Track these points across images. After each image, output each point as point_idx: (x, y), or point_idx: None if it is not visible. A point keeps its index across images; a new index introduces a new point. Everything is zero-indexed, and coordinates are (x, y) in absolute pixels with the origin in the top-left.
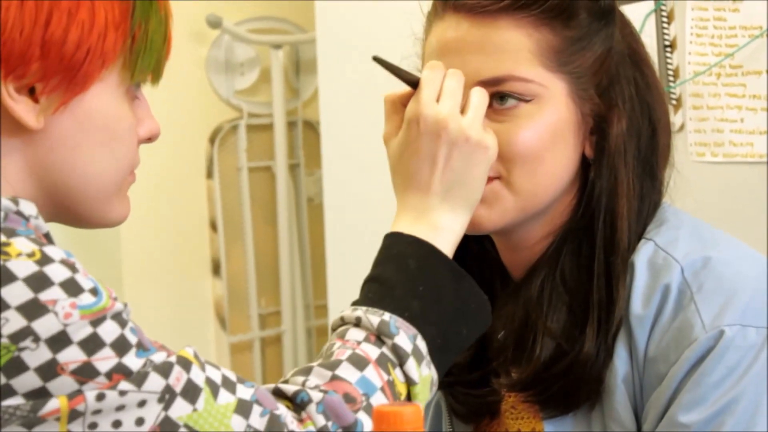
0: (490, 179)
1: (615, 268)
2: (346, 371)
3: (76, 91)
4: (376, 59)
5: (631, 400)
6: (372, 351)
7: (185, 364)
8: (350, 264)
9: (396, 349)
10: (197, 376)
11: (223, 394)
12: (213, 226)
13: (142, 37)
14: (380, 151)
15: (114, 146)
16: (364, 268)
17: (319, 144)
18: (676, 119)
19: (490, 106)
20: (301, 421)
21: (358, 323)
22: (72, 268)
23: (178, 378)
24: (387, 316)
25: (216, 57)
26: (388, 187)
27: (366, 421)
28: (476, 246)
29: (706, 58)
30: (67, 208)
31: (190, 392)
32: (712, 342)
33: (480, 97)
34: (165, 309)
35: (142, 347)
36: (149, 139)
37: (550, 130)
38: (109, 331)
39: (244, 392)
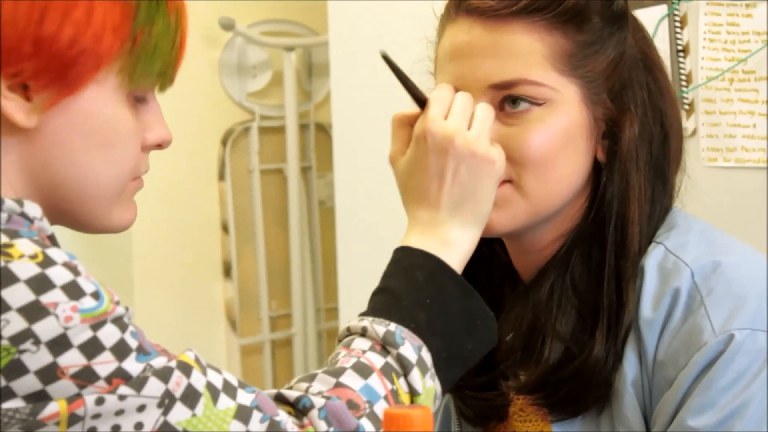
0: (501, 183)
1: (625, 272)
2: (350, 378)
3: (68, 91)
4: (385, 57)
5: (640, 404)
6: (377, 360)
7: (185, 368)
8: (361, 267)
9: (401, 359)
10: (198, 381)
11: (223, 399)
12: (224, 229)
13: (145, 41)
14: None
15: (111, 150)
16: (376, 271)
17: (331, 147)
18: (688, 124)
19: (502, 109)
20: (302, 426)
21: (364, 333)
22: (74, 270)
23: (177, 383)
24: (393, 326)
25: (228, 59)
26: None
27: (369, 428)
28: (486, 249)
29: (718, 63)
30: (66, 211)
31: (190, 397)
32: (722, 346)
33: (485, 111)
34: (176, 311)
35: (142, 351)
36: (159, 146)
37: (562, 134)
38: (109, 335)
39: (245, 397)
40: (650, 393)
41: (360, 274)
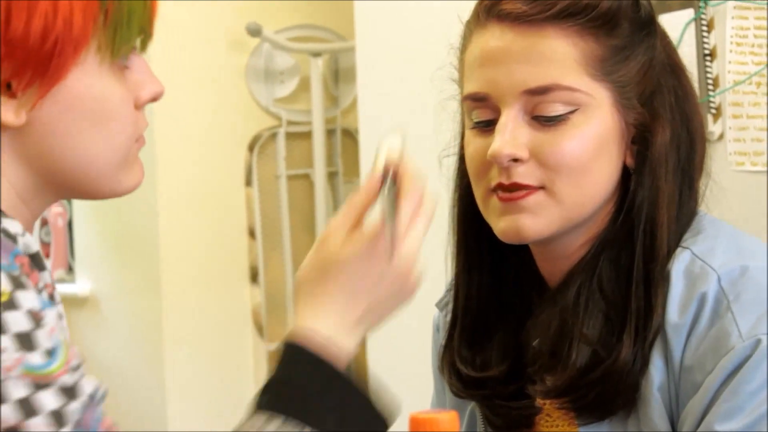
0: (534, 189)
1: (653, 276)
2: None
3: (52, 81)
4: None
5: (667, 409)
6: None
7: None
8: None
9: None
10: None
11: None
12: (251, 234)
13: (117, 11)
14: (418, 160)
15: (107, 125)
16: None
17: (358, 152)
18: (715, 128)
19: (535, 115)
20: None
21: None
22: (37, 320)
23: None
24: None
25: (256, 65)
26: None
27: None
28: (513, 255)
29: (746, 67)
30: (73, 189)
31: None
32: (749, 351)
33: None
34: (203, 316)
35: (82, 426)
36: (153, 100)
37: (596, 140)
38: (50, 399)
39: None
40: (677, 398)
41: None
